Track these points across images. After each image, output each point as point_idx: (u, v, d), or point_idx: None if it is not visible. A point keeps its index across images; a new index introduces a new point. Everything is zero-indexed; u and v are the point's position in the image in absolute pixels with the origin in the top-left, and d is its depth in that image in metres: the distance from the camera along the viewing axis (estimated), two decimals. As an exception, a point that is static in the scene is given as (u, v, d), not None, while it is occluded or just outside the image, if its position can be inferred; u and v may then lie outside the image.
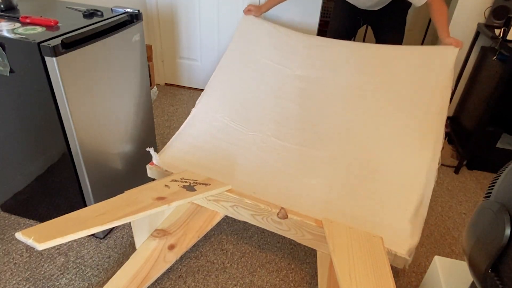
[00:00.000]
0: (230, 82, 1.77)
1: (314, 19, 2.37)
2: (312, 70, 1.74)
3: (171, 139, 1.59)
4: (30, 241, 0.85)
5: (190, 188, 1.25)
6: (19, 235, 0.86)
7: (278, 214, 1.22)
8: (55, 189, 1.41)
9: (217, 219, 1.37)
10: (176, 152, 1.51)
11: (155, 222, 1.34)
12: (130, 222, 1.55)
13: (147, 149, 1.43)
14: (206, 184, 1.29)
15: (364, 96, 1.62)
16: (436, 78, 1.57)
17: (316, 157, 1.51)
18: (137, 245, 1.29)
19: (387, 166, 1.44)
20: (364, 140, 1.52)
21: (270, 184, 1.36)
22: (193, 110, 1.70)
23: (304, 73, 1.74)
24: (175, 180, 1.29)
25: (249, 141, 1.60)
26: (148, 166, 1.44)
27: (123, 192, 1.19)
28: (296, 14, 2.37)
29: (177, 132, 1.61)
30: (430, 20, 3.95)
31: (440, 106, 1.50)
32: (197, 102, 1.72)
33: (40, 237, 0.86)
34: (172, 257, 1.27)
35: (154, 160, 1.43)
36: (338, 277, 1.00)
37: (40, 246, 0.84)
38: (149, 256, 1.26)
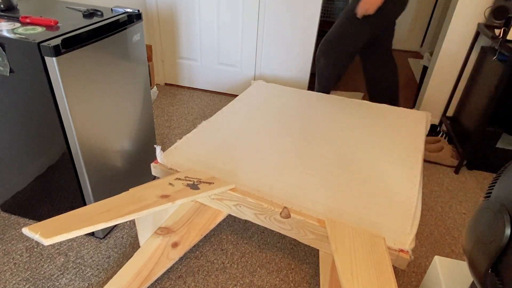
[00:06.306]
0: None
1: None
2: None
3: (178, 141, 1.60)
4: (36, 236, 0.86)
5: (194, 186, 1.25)
6: (25, 230, 0.87)
7: (281, 213, 1.22)
8: (55, 189, 1.41)
9: (220, 217, 1.37)
10: (180, 151, 1.52)
11: (159, 219, 1.35)
12: (132, 221, 1.56)
13: (155, 145, 1.44)
14: (210, 183, 1.30)
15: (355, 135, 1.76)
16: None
17: (318, 157, 1.53)
18: (141, 242, 1.29)
19: (384, 170, 1.50)
20: (361, 151, 1.62)
21: (273, 183, 1.36)
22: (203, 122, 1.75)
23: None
24: (179, 179, 1.30)
25: (253, 140, 1.62)
26: (152, 165, 1.44)
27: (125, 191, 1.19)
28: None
29: (184, 138, 1.63)
30: (430, 20, 3.95)
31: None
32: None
33: (46, 233, 0.87)
34: (175, 255, 1.27)
35: (159, 158, 1.43)
36: (340, 277, 1.00)
37: (46, 241, 0.85)
38: (153, 253, 1.27)
